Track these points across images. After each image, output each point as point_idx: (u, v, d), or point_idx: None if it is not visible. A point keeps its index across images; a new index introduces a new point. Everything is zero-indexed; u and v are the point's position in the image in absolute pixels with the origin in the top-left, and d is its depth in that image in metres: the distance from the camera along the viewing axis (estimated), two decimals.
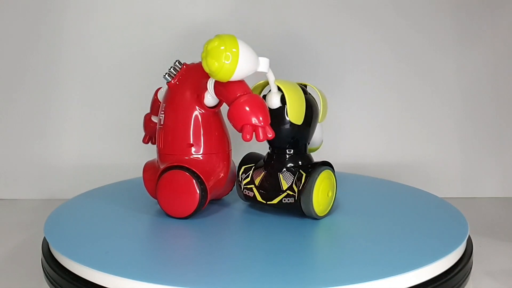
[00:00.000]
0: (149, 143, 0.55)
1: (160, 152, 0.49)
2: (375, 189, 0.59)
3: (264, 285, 0.36)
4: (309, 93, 0.49)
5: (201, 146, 0.48)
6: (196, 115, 0.48)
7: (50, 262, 0.43)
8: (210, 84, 0.46)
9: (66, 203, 0.54)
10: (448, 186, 0.70)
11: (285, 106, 0.46)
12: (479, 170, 0.71)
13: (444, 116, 0.71)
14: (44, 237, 0.46)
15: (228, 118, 0.44)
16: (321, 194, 0.47)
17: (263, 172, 0.48)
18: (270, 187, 0.48)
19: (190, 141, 0.48)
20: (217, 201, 0.53)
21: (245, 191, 0.49)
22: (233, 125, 0.44)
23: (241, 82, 0.44)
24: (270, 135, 0.44)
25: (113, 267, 0.38)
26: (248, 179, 0.49)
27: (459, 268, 0.42)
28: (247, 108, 0.43)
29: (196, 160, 0.48)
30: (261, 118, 0.43)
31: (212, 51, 0.42)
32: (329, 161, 0.48)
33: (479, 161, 0.71)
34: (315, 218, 0.47)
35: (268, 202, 0.48)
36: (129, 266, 0.39)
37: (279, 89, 0.46)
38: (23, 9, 0.69)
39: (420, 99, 0.71)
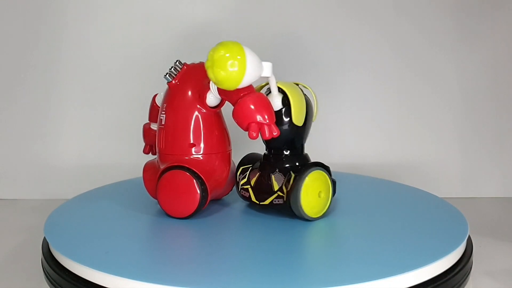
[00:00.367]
0: (150, 153, 0.54)
1: (160, 152, 0.49)
2: (375, 189, 0.59)
3: (264, 285, 0.36)
4: (305, 93, 0.49)
5: (201, 146, 0.48)
6: (197, 115, 0.48)
7: (50, 262, 0.43)
8: (213, 84, 0.46)
9: (66, 203, 0.54)
10: (448, 186, 0.70)
11: (285, 108, 0.46)
12: (479, 170, 0.71)
13: (444, 116, 0.71)
14: (44, 237, 0.46)
15: (233, 117, 0.44)
16: (310, 195, 0.46)
17: (258, 173, 0.49)
18: (263, 188, 0.48)
19: (190, 141, 0.48)
20: (217, 201, 0.53)
21: (241, 191, 0.50)
22: (238, 124, 0.44)
23: None
24: (276, 133, 0.44)
25: (113, 267, 0.38)
26: (245, 179, 0.49)
27: (459, 268, 0.42)
28: (252, 107, 0.44)
29: (197, 160, 0.48)
30: (266, 116, 0.44)
31: (219, 61, 0.41)
32: (328, 162, 0.48)
33: (479, 161, 0.71)
34: (308, 219, 0.47)
35: (260, 203, 0.48)
36: (129, 266, 0.39)
37: (279, 90, 0.47)
38: (23, 9, 0.69)
39: (420, 99, 0.71)
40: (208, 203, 0.48)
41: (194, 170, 0.47)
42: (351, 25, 0.70)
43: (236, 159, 0.52)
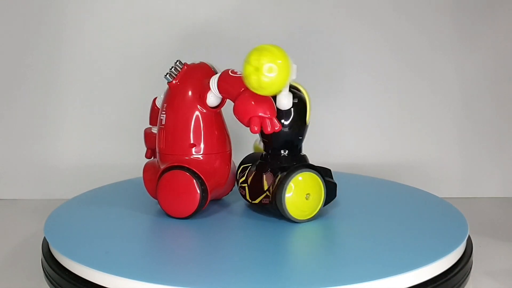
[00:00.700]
0: (152, 157, 0.54)
1: (160, 152, 0.49)
2: (375, 189, 0.59)
3: (264, 285, 0.36)
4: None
5: (201, 146, 0.48)
6: (197, 115, 0.48)
7: (50, 262, 0.43)
8: (213, 83, 0.47)
9: (66, 203, 0.54)
10: (448, 186, 0.70)
11: (297, 107, 0.46)
12: (479, 170, 0.71)
13: (444, 116, 0.71)
14: (44, 237, 0.46)
15: (234, 113, 0.44)
16: (296, 196, 0.46)
17: (254, 172, 0.49)
18: (256, 187, 0.48)
19: (191, 141, 0.48)
20: (217, 201, 0.53)
21: (240, 189, 0.50)
22: (239, 119, 0.44)
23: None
24: (277, 127, 0.44)
25: (113, 267, 0.38)
26: (244, 178, 0.50)
27: (459, 268, 0.42)
28: (253, 101, 0.44)
29: (197, 160, 0.48)
30: (267, 110, 0.44)
31: (262, 66, 0.41)
32: (328, 162, 0.48)
33: (479, 161, 0.71)
34: (294, 221, 0.46)
35: (252, 201, 0.48)
36: (129, 266, 0.39)
37: (295, 89, 0.47)
38: (23, 9, 0.69)
39: (420, 99, 0.71)
40: (208, 203, 0.48)
41: (194, 170, 0.47)
42: (351, 25, 0.70)
43: (236, 159, 0.52)
